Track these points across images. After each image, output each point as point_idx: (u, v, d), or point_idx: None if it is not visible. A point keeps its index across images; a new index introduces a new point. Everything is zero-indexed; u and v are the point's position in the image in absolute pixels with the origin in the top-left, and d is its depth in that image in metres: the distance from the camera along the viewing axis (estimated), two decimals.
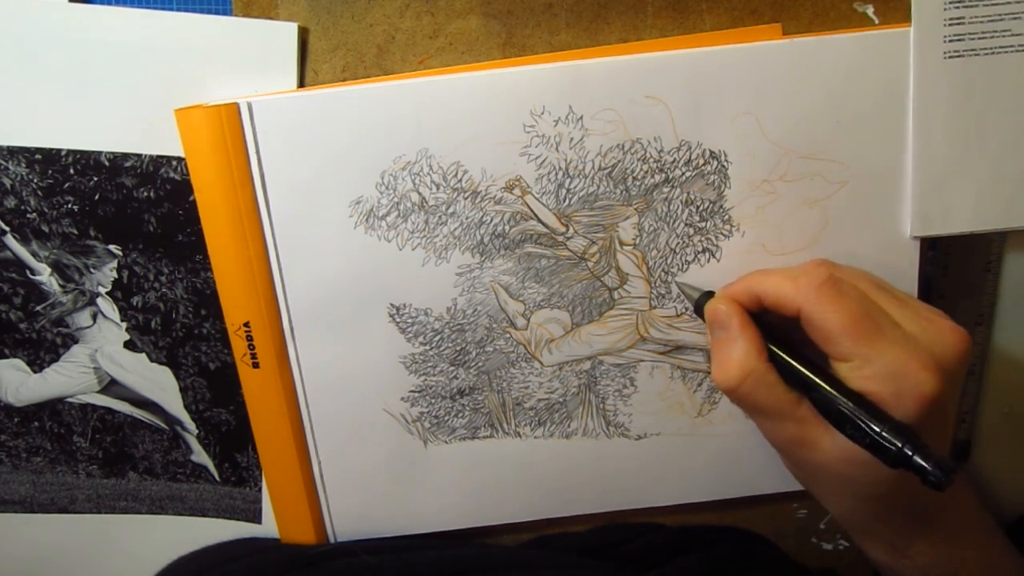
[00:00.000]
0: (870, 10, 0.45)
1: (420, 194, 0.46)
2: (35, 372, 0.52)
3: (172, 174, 0.47)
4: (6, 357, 0.52)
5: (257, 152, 0.45)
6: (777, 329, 0.42)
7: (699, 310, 0.46)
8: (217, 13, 0.45)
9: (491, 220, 0.47)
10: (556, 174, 0.46)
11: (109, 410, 0.53)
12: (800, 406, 0.40)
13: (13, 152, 0.47)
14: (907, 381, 0.37)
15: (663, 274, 0.48)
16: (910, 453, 0.35)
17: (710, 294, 0.46)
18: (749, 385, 0.40)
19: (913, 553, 0.42)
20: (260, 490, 0.54)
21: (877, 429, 0.36)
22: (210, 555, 0.54)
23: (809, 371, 0.40)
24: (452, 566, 0.50)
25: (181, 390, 0.52)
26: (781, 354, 0.41)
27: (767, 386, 0.40)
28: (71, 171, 0.47)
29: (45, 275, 0.49)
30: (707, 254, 0.47)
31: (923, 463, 0.35)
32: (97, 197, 0.48)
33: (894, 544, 0.43)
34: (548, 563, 0.51)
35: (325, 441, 0.51)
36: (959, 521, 0.43)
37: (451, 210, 0.46)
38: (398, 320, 0.49)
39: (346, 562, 0.50)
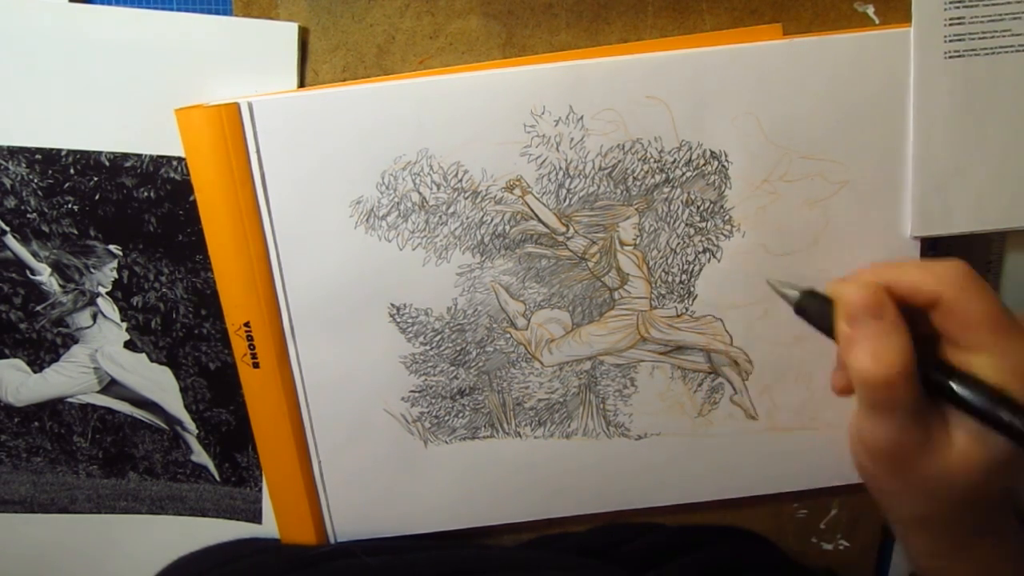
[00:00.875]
0: (870, 10, 0.45)
1: (420, 194, 0.46)
2: (35, 372, 0.52)
3: (172, 174, 0.47)
4: (6, 357, 0.51)
5: (257, 152, 0.45)
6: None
7: (800, 309, 0.43)
8: (217, 13, 0.45)
9: (491, 220, 0.47)
10: (556, 174, 0.46)
11: (109, 410, 0.53)
12: (931, 408, 0.39)
13: (13, 152, 0.47)
14: None
15: (663, 274, 0.48)
16: None
17: (812, 293, 0.43)
18: (907, 377, 0.38)
19: (979, 555, 0.42)
20: (260, 490, 0.54)
21: (1012, 415, 0.36)
22: (210, 555, 0.54)
23: (960, 373, 0.39)
24: (452, 566, 0.50)
25: (181, 390, 0.52)
26: (934, 355, 0.40)
27: (916, 383, 0.39)
28: (71, 171, 0.47)
29: (45, 275, 0.49)
30: (707, 254, 0.47)
31: None
32: (97, 197, 0.48)
33: (953, 543, 0.43)
34: (548, 563, 0.51)
35: (325, 441, 0.51)
36: (1007, 528, 0.43)
37: (451, 210, 0.46)
38: (398, 320, 0.49)
39: (346, 563, 0.50)
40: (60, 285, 0.50)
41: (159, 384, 0.52)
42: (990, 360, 0.38)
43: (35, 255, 0.49)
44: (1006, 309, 0.39)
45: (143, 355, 0.51)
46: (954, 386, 0.39)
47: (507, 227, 0.47)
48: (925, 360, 0.39)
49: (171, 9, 0.46)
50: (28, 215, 0.48)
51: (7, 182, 0.47)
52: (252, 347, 0.48)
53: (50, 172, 0.47)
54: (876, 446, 0.40)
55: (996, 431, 0.38)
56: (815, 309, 0.42)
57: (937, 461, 0.39)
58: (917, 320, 0.40)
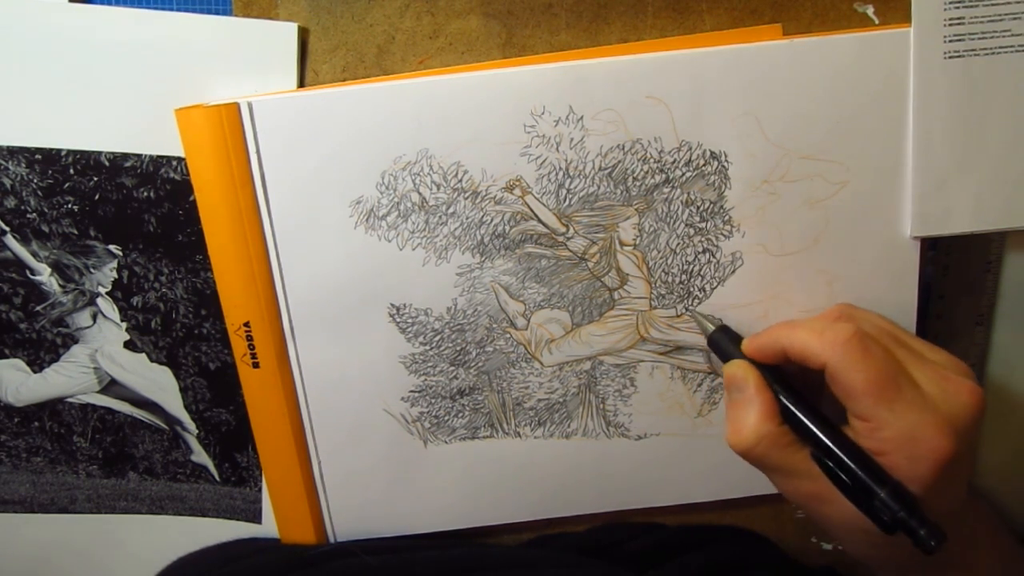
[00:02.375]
0: (870, 10, 0.45)
1: (420, 194, 0.46)
2: (35, 372, 0.52)
3: (172, 174, 0.47)
4: (6, 357, 0.52)
5: (257, 152, 0.45)
6: (797, 380, 0.43)
7: (713, 345, 0.47)
8: (217, 13, 0.45)
9: (491, 220, 0.47)
10: (556, 174, 0.46)
11: (109, 410, 0.53)
12: (814, 464, 0.41)
13: (13, 152, 0.47)
14: (922, 446, 0.38)
15: (663, 274, 0.48)
16: (905, 516, 0.37)
17: (725, 330, 0.46)
18: (763, 448, 0.41)
19: None
20: (260, 490, 0.54)
21: (877, 491, 0.38)
22: (210, 555, 0.54)
23: (820, 431, 0.40)
24: (452, 565, 0.50)
25: (181, 390, 0.52)
26: (798, 414, 0.41)
27: (780, 448, 0.41)
28: (71, 171, 0.47)
29: (45, 275, 0.49)
30: (707, 254, 0.47)
31: (915, 526, 0.37)
32: (97, 197, 0.48)
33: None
34: (548, 562, 0.51)
35: (325, 441, 0.51)
36: (980, 553, 0.44)
37: (451, 210, 0.46)
38: (398, 320, 0.49)
39: (346, 563, 0.50)
40: (60, 285, 0.50)
41: (159, 384, 0.52)
42: (871, 428, 0.39)
43: (35, 255, 0.49)
44: (892, 373, 0.39)
45: (143, 355, 0.51)
46: (816, 458, 0.40)
47: (507, 227, 0.47)
48: (802, 425, 0.41)
49: (171, 9, 0.46)
50: (28, 215, 0.48)
51: (7, 182, 0.47)
52: (252, 347, 0.48)
53: (50, 172, 0.47)
54: (787, 496, 0.43)
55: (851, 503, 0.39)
56: (723, 347, 0.46)
57: (835, 510, 0.40)
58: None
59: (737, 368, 0.44)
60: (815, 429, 0.41)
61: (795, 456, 0.41)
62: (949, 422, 0.38)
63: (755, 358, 0.44)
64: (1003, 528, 0.46)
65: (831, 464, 0.39)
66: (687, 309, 0.48)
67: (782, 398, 0.42)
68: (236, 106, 0.44)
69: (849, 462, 0.39)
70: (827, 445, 0.40)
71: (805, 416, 0.41)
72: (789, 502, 0.55)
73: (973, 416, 0.39)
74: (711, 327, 0.47)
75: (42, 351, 0.51)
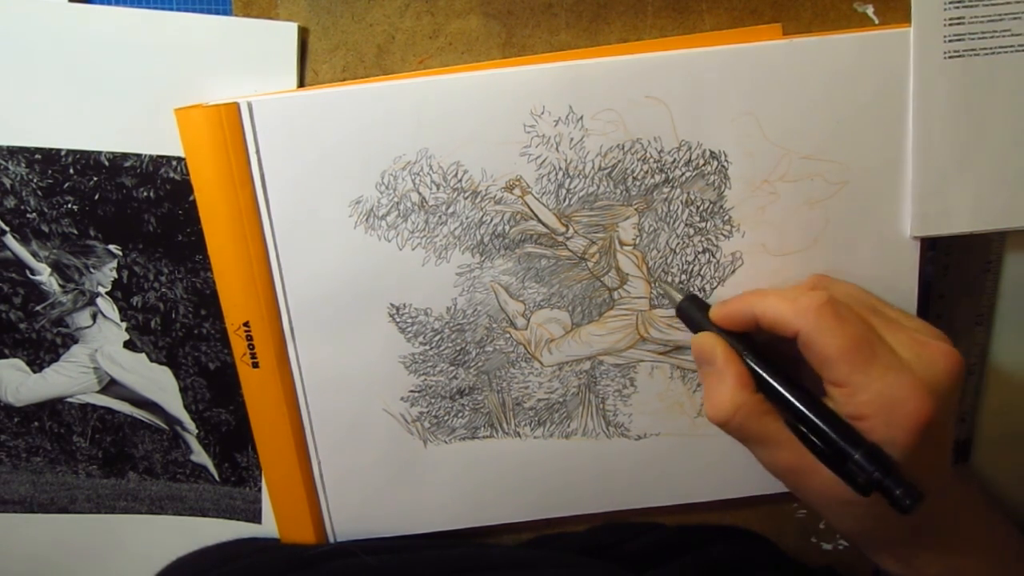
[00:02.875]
0: (870, 10, 0.45)
1: (420, 194, 0.46)
2: (35, 372, 0.52)
3: (172, 174, 0.47)
4: (6, 357, 0.52)
5: (257, 152, 0.45)
6: (771, 350, 0.42)
7: (681, 314, 0.46)
8: (217, 13, 0.45)
9: (491, 220, 0.47)
10: (556, 174, 0.46)
11: (109, 410, 0.53)
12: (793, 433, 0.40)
13: (13, 152, 0.47)
14: (900, 409, 0.38)
15: (663, 274, 0.48)
16: (880, 476, 0.36)
17: (693, 298, 0.46)
18: (740, 418, 0.41)
19: (920, 564, 0.43)
20: (260, 490, 0.54)
21: (851, 453, 0.37)
22: (210, 555, 0.54)
23: (792, 395, 0.40)
24: (451, 565, 0.50)
25: (181, 390, 0.52)
26: (768, 379, 0.41)
27: (758, 416, 0.40)
28: (71, 171, 0.47)
29: (45, 275, 0.49)
30: (707, 254, 0.47)
31: (891, 486, 0.36)
32: (97, 197, 0.48)
33: (901, 556, 0.43)
34: (548, 562, 0.51)
35: (325, 441, 0.51)
36: (967, 529, 0.43)
37: (451, 210, 0.46)
38: (398, 320, 0.49)
39: (345, 562, 0.50)
40: (60, 285, 0.50)
41: (159, 384, 0.52)
42: (847, 394, 0.39)
43: (35, 255, 0.49)
44: (866, 338, 0.39)
45: (143, 355, 0.51)
46: (790, 425, 0.40)
47: (507, 227, 0.47)
48: (776, 392, 0.41)
49: (171, 9, 0.46)
50: (28, 215, 0.48)
51: (7, 182, 0.47)
52: (251, 347, 0.48)
53: (50, 172, 0.47)
54: (768, 469, 0.43)
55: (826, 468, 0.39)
56: (691, 316, 0.46)
57: (818, 479, 0.40)
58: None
59: (704, 339, 0.43)
60: (786, 393, 0.40)
61: (773, 425, 0.40)
62: (927, 385, 0.38)
63: (724, 326, 0.43)
64: (992, 508, 0.45)
65: (804, 429, 0.39)
66: (652, 279, 0.48)
67: (751, 364, 0.41)
68: (236, 106, 0.44)
69: (822, 425, 0.38)
70: (799, 409, 0.39)
71: (776, 381, 0.41)
72: (793, 501, 0.55)
73: (951, 379, 0.39)
74: (679, 296, 0.46)
75: (42, 351, 0.51)
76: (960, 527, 0.43)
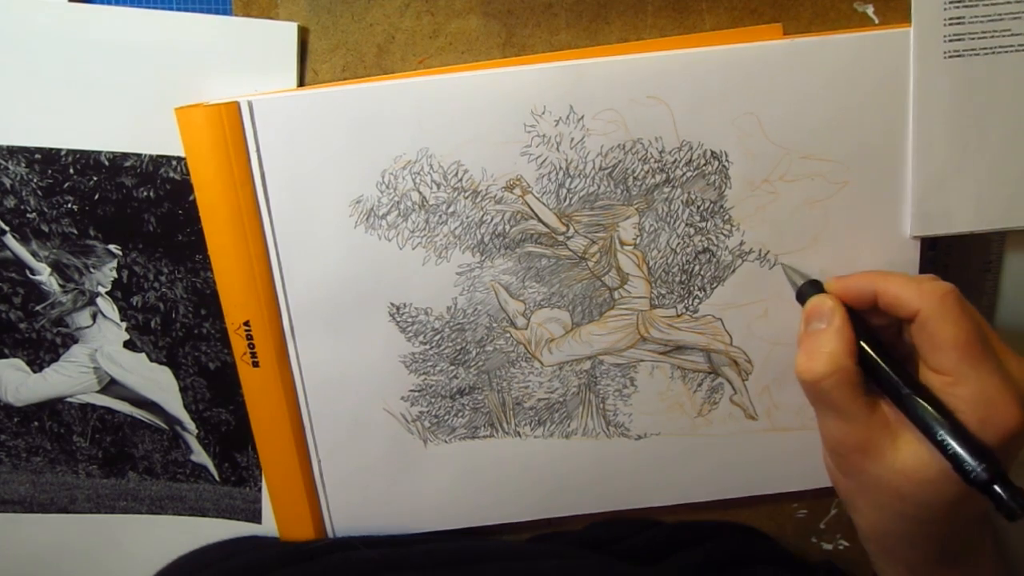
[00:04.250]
0: (870, 10, 0.45)
1: (420, 193, 0.46)
2: (35, 372, 0.52)
3: (172, 174, 0.47)
4: (6, 357, 0.51)
5: (257, 151, 0.45)
6: (873, 333, 0.42)
7: (800, 297, 0.46)
8: (217, 13, 0.45)
9: (491, 219, 0.47)
10: (557, 174, 0.46)
11: (109, 410, 0.53)
12: (875, 413, 0.40)
13: (13, 152, 0.47)
14: (996, 411, 0.37)
15: (663, 274, 0.48)
16: (988, 478, 0.36)
17: (815, 283, 0.45)
18: (834, 381, 0.40)
19: None
20: (260, 490, 0.54)
21: (965, 445, 0.37)
22: (209, 553, 0.54)
23: (904, 379, 0.40)
24: (450, 558, 0.50)
25: (181, 390, 0.52)
26: (874, 355, 0.41)
27: (850, 386, 0.40)
28: (71, 171, 0.47)
29: (45, 275, 0.49)
30: (707, 254, 0.47)
31: (1001, 492, 0.36)
32: (97, 197, 0.48)
33: (915, 571, 0.43)
34: (547, 554, 0.51)
35: (325, 440, 0.51)
36: (980, 563, 0.43)
37: (451, 209, 0.46)
38: (398, 319, 0.49)
39: (345, 555, 0.50)
40: (60, 285, 0.50)
41: (159, 384, 0.52)
42: (949, 383, 0.39)
43: (35, 255, 0.49)
44: (982, 335, 0.39)
45: (143, 355, 0.51)
46: (906, 398, 0.40)
47: (507, 227, 0.47)
48: (881, 370, 0.41)
49: (171, 9, 0.46)
50: (28, 215, 0.48)
51: (7, 182, 0.47)
52: (252, 346, 0.48)
53: (50, 172, 0.47)
54: (826, 442, 0.43)
55: (938, 451, 0.38)
56: (805, 291, 0.45)
57: (880, 465, 0.40)
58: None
59: (825, 299, 0.43)
60: (895, 374, 0.40)
61: (858, 400, 0.40)
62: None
63: (840, 298, 0.43)
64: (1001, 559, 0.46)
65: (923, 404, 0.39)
66: (780, 263, 0.47)
67: (863, 344, 0.41)
68: (236, 105, 0.44)
69: (933, 414, 0.38)
70: (915, 388, 0.39)
71: (885, 362, 0.40)
72: (793, 501, 0.55)
73: None
74: (800, 280, 0.46)
75: (42, 351, 0.51)
76: (978, 559, 0.43)
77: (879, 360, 0.41)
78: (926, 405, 0.39)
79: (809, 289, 0.45)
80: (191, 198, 0.47)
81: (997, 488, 0.36)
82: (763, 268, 0.48)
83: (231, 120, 0.44)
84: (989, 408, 0.38)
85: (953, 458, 0.37)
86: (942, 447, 0.38)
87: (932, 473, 0.38)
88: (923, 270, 0.48)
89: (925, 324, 0.39)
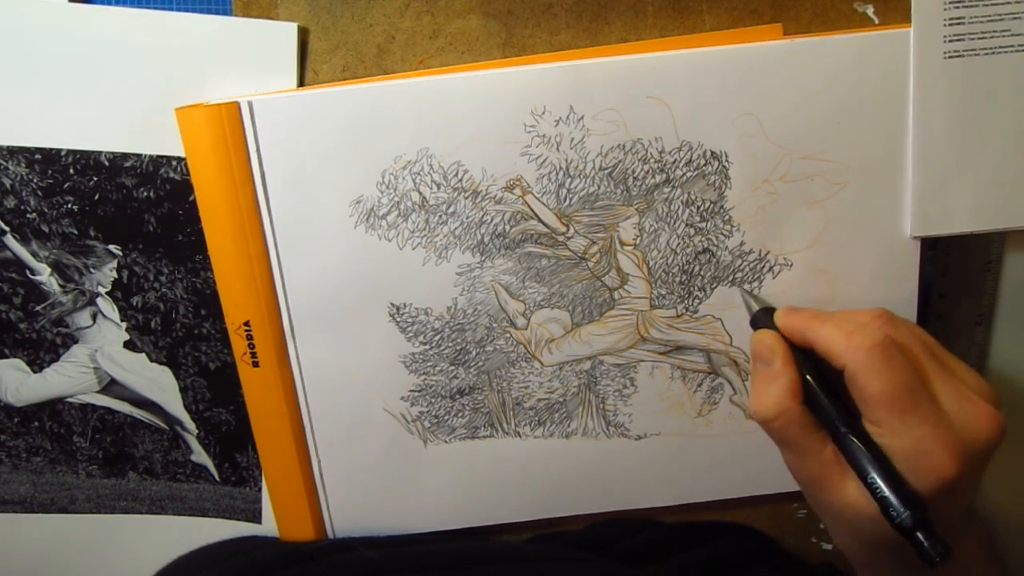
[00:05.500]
0: (870, 10, 0.45)
1: (421, 193, 0.46)
2: (35, 372, 0.52)
3: (172, 174, 0.47)
4: (6, 357, 0.51)
5: (258, 151, 0.45)
6: (819, 366, 0.42)
7: (754, 324, 0.46)
8: (217, 13, 0.45)
9: (491, 220, 0.47)
10: (557, 174, 0.46)
11: (109, 410, 0.53)
12: (825, 448, 0.41)
13: (13, 152, 0.47)
14: (927, 462, 0.38)
15: (663, 274, 0.48)
16: (911, 524, 0.37)
17: (769, 311, 0.46)
18: (782, 422, 0.41)
19: None
20: (260, 490, 0.54)
21: (890, 491, 0.37)
22: (209, 552, 0.54)
23: (842, 420, 0.40)
24: (451, 559, 0.50)
25: (181, 390, 0.52)
26: (820, 395, 0.41)
27: (798, 425, 0.41)
28: (71, 171, 0.47)
29: (45, 275, 0.49)
30: (707, 254, 0.47)
31: (922, 539, 0.36)
32: (97, 197, 0.48)
33: None
34: (547, 555, 0.51)
35: (325, 440, 0.51)
36: (963, 572, 0.43)
37: (452, 209, 0.46)
38: (398, 319, 0.49)
39: (345, 556, 0.50)
40: (60, 285, 0.50)
41: (159, 384, 0.52)
42: (880, 435, 0.39)
43: (35, 255, 0.49)
44: (910, 386, 0.39)
45: (143, 355, 0.51)
46: (843, 437, 0.40)
47: (507, 227, 0.47)
48: (825, 410, 0.41)
49: (171, 9, 0.46)
50: (28, 215, 0.48)
51: (7, 182, 0.47)
52: (252, 346, 0.48)
53: (50, 172, 0.47)
54: (791, 472, 0.43)
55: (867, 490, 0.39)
56: (758, 318, 0.46)
57: (833, 497, 0.40)
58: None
59: (766, 338, 0.44)
60: (835, 418, 0.40)
61: (809, 437, 0.41)
62: (960, 444, 0.38)
63: (784, 335, 0.44)
64: (995, 562, 0.46)
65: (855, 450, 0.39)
66: (738, 286, 0.48)
67: (809, 380, 0.42)
68: (236, 105, 0.44)
69: (869, 455, 0.39)
70: (848, 435, 0.40)
71: (829, 399, 0.41)
72: (793, 502, 0.55)
73: (987, 443, 0.39)
74: (755, 306, 0.47)
75: (42, 351, 0.51)
76: (959, 571, 0.43)
77: (820, 398, 0.41)
78: (860, 447, 0.39)
79: (761, 317, 0.46)
80: (191, 198, 0.47)
81: (919, 535, 0.36)
82: (763, 269, 0.48)
83: (231, 120, 0.44)
84: (920, 459, 0.38)
85: (881, 502, 0.38)
86: (872, 490, 0.38)
87: (874, 510, 0.38)
88: (923, 270, 0.48)
89: (853, 379, 0.40)
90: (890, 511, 0.37)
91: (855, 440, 0.39)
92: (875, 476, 0.38)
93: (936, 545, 0.36)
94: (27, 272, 0.49)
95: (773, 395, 0.41)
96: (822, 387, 0.42)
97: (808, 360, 0.42)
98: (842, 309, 0.46)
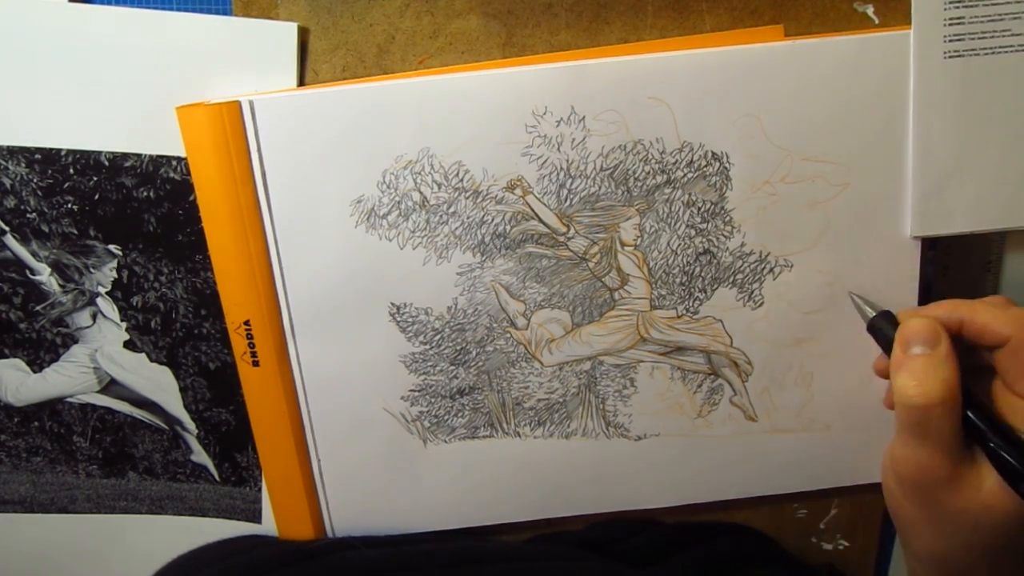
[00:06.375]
0: (870, 10, 0.45)
1: (421, 193, 0.46)
2: (35, 372, 0.52)
3: (172, 174, 0.47)
4: (6, 357, 0.51)
5: (258, 150, 0.45)
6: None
7: (872, 329, 0.45)
8: (217, 13, 0.45)
9: (492, 220, 0.47)
10: (558, 174, 0.46)
11: (109, 410, 0.53)
12: (965, 446, 0.40)
13: (13, 152, 0.47)
14: None
15: (664, 275, 0.48)
16: None
17: (887, 314, 0.45)
18: (945, 409, 0.39)
19: None
20: (260, 490, 0.54)
21: None
22: (209, 552, 0.54)
23: (998, 423, 0.40)
24: (451, 558, 0.50)
25: (181, 390, 0.52)
26: (979, 399, 0.40)
27: (955, 417, 0.39)
28: (71, 171, 0.47)
29: (45, 275, 0.49)
30: (708, 255, 0.47)
31: None
32: (97, 197, 0.48)
33: None
34: (546, 555, 0.51)
35: (325, 439, 0.51)
36: None
37: (452, 209, 0.46)
38: (399, 319, 0.49)
39: (345, 555, 0.50)
40: (60, 285, 0.50)
41: (159, 384, 0.52)
42: None
43: (35, 255, 0.49)
44: None
45: (143, 355, 0.51)
46: (989, 435, 0.39)
47: (508, 227, 0.47)
48: (972, 400, 0.40)
49: (171, 9, 0.46)
50: (28, 215, 0.48)
51: (7, 182, 0.47)
52: (252, 345, 0.48)
53: (50, 172, 0.47)
54: (905, 471, 0.41)
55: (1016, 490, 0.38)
56: (884, 331, 0.44)
57: (962, 498, 0.39)
58: (978, 360, 0.42)
59: (929, 323, 0.41)
60: (996, 421, 0.39)
61: (958, 432, 0.39)
62: None
63: None
64: None
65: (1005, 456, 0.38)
66: (850, 294, 0.47)
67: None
68: (237, 104, 0.44)
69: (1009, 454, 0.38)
70: (1009, 438, 0.39)
71: (980, 404, 0.40)
72: (793, 502, 0.55)
73: None
74: (871, 313, 0.45)
75: (42, 351, 0.51)
76: None
77: (980, 402, 0.40)
78: (1015, 442, 0.38)
79: (881, 321, 0.44)
80: (191, 198, 0.47)
81: None
82: (763, 271, 0.48)
83: (232, 119, 0.44)
84: None
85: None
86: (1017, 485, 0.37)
87: (1011, 508, 0.38)
88: (923, 270, 0.48)
89: (1017, 350, 0.39)
90: None
91: (1000, 430, 0.38)
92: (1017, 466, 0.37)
93: None
94: (27, 272, 0.49)
95: (942, 378, 0.39)
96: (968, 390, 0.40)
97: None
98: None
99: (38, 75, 0.45)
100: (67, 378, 0.52)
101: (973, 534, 0.40)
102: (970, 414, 0.39)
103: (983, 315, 0.41)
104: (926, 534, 0.42)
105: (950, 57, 0.44)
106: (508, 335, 0.49)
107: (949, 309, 0.42)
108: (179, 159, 0.47)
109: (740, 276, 0.48)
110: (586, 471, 0.52)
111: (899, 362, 0.41)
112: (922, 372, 0.40)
